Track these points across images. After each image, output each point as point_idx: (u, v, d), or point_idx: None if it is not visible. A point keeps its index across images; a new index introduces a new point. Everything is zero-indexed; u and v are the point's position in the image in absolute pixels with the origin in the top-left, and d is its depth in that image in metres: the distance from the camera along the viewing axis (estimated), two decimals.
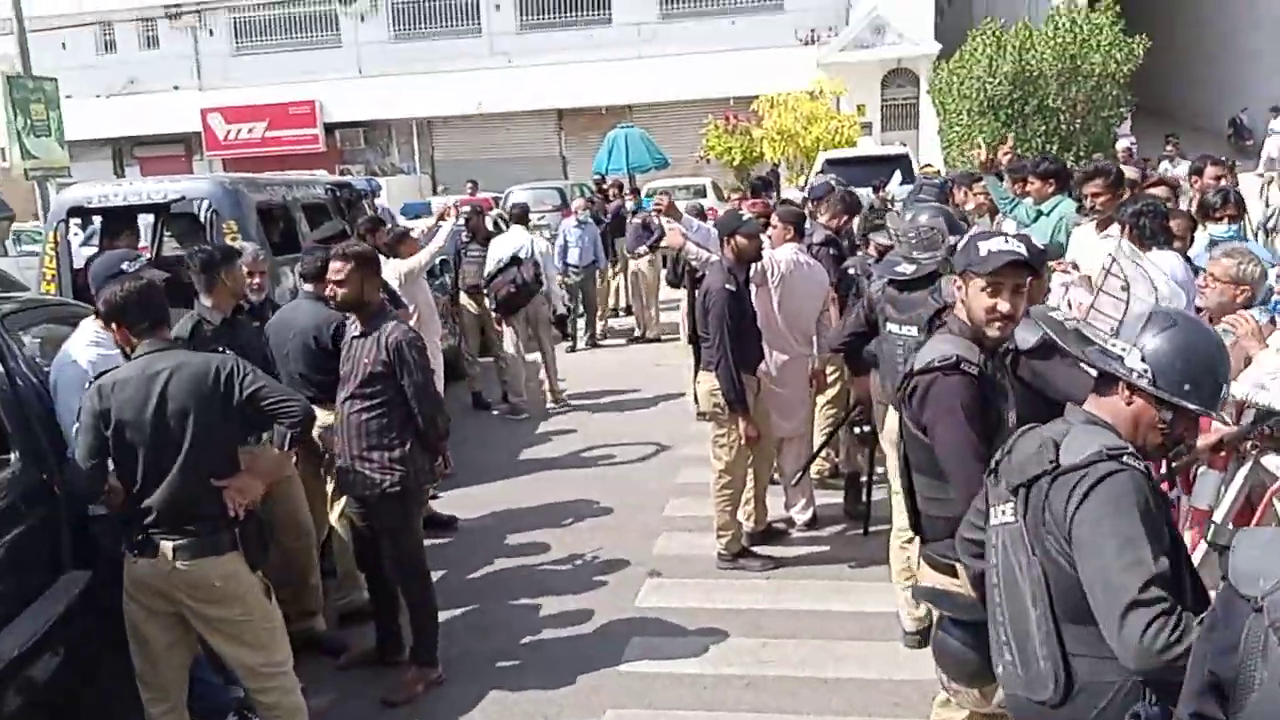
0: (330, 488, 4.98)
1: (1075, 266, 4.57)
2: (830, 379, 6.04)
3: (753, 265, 5.29)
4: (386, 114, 27.47)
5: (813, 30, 25.44)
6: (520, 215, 9.52)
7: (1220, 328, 3.22)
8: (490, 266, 8.74)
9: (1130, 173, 6.42)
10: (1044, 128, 16.24)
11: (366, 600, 4.91)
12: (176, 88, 28.15)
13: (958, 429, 2.65)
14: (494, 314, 8.79)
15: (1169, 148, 15.71)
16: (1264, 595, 1.48)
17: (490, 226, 9.86)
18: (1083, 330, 2.14)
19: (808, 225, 6.09)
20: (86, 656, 3.47)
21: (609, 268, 12.62)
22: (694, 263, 5.70)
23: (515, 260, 8.57)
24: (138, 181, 7.88)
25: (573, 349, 11.49)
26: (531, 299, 8.65)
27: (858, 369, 5.19)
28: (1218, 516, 3.31)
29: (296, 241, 7.11)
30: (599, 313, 12.29)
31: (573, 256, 11.34)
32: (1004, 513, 2.09)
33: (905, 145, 18.73)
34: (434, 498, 6.20)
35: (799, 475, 5.72)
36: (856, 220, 6.60)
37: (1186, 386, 1.98)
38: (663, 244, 8.14)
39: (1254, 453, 3.29)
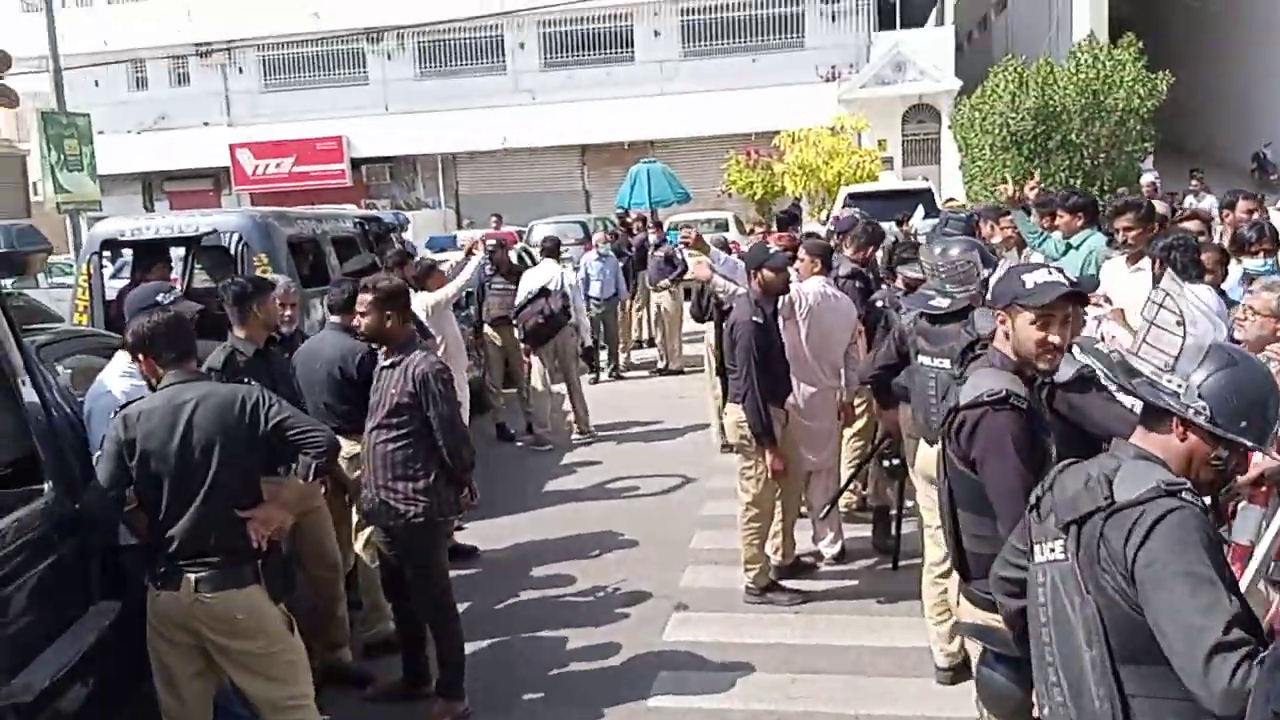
0: (356, 518, 4.98)
1: (1108, 300, 4.54)
2: (858, 411, 6.01)
3: (780, 298, 5.29)
4: (412, 149, 27.80)
5: (833, 67, 25.62)
6: (552, 249, 9.68)
7: (1261, 358, 3.18)
8: (520, 298, 8.84)
9: (1159, 207, 6.39)
10: (1068, 163, 16.21)
11: (392, 632, 4.89)
12: (206, 124, 28.62)
13: (1009, 465, 2.62)
14: (522, 345, 8.86)
15: (1194, 182, 15.65)
16: None
17: (514, 260, 9.94)
18: (1130, 363, 2.12)
19: (834, 258, 6.09)
20: (115, 688, 3.47)
21: (630, 300, 12.67)
22: (721, 295, 5.70)
23: (544, 292, 8.66)
24: (170, 215, 7.99)
25: (595, 380, 11.51)
26: (560, 330, 8.71)
27: (886, 402, 5.16)
28: (1259, 552, 3.26)
29: (326, 274, 7.17)
30: (621, 345, 12.32)
31: (594, 289, 11.40)
32: (1052, 550, 2.05)
33: (927, 180, 18.77)
34: (459, 528, 6.19)
35: (827, 508, 5.68)
36: (880, 254, 6.60)
37: (1243, 423, 1.96)
38: (689, 277, 8.16)
39: None
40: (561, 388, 9.16)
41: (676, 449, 8.61)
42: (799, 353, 5.48)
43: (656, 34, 26.96)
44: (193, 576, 3.24)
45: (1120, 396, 3.14)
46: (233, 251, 6.76)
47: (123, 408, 3.37)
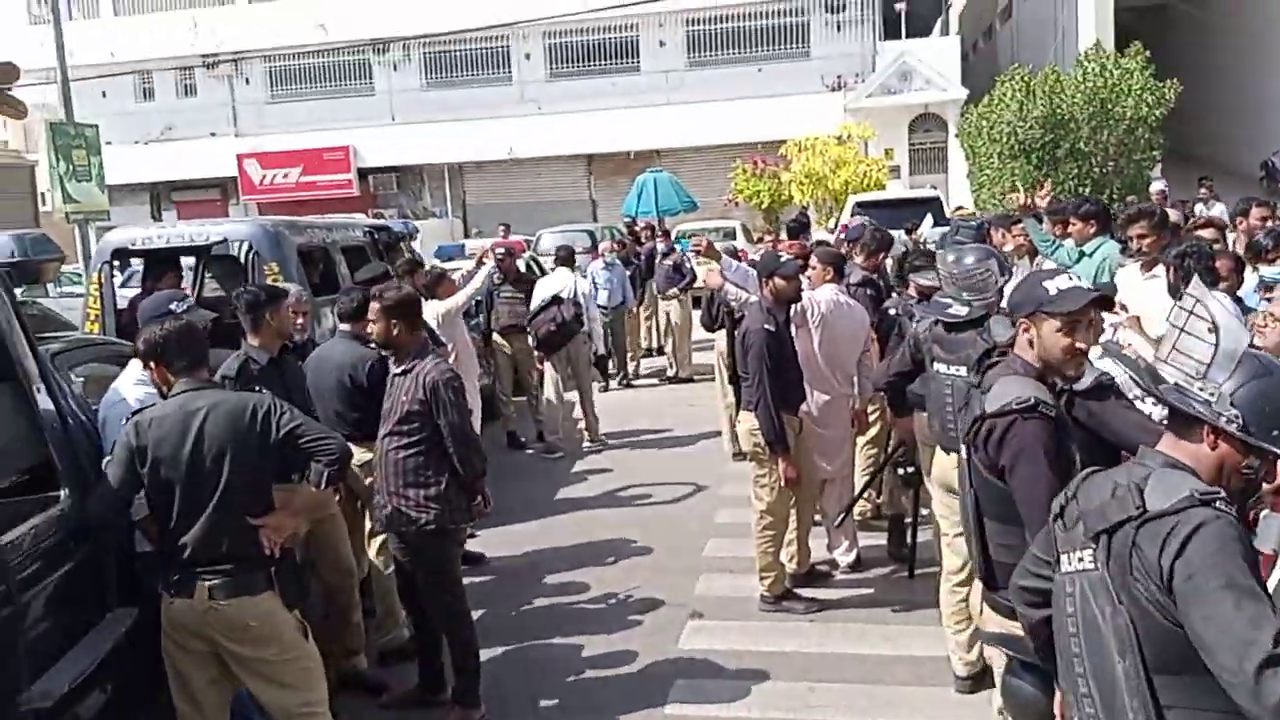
0: (369, 525, 4.97)
1: (1124, 307, 4.52)
2: (871, 419, 6.00)
3: (792, 306, 5.28)
4: (419, 159, 27.85)
5: (839, 76, 25.62)
6: (566, 257, 9.72)
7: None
8: (534, 305, 8.88)
9: (1173, 215, 6.38)
10: (1076, 171, 16.20)
11: (407, 639, 4.89)
12: (213, 134, 28.68)
13: (1038, 472, 2.61)
14: (536, 352, 8.87)
15: (1203, 190, 15.61)
16: None
17: (522, 268, 9.96)
18: (1158, 369, 2.10)
19: (846, 267, 6.08)
20: (132, 695, 3.46)
21: (638, 309, 12.67)
22: (733, 303, 5.70)
23: (556, 300, 8.69)
24: (181, 224, 7.99)
25: (605, 388, 11.50)
26: (572, 338, 8.73)
27: (901, 410, 5.15)
28: None
29: (336, 283, 7.19)
30: (630, 354, 12.32)
31: (600, 298, 11.39)
32: (1081, 559, 2.03)
33: (936, 188, 18.77)
34: (471, 536, 6.17)
35: (842, 516, 5.66)
36: (890, 262, 6.59)
37: (1275, 432, 1.94)
38: (700, 284, 8.16)
39: None
40: (573, 395, 9.16)
41: (688, 457, 8.59)
42: (812, 360, 5.47)
43: (662, 44, 27.00)
44: (206, 584, 3.24)
45: (1139, 404, 3.13)
46: (243, 260, 6.77)
47: (134, 414, 3.37)
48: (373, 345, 4.93)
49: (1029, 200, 6.61)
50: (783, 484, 5.17)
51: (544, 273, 12.28)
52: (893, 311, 5.65)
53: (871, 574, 5.73)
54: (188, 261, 7.93)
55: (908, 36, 26.11)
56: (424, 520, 4.19)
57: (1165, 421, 2.16)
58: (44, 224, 18.75)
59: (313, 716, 3.45)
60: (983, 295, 4.10)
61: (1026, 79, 16.87)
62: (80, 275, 14.99)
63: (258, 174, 28.21)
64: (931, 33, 28.91)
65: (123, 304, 7.09)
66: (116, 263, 7.52)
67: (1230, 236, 6.77)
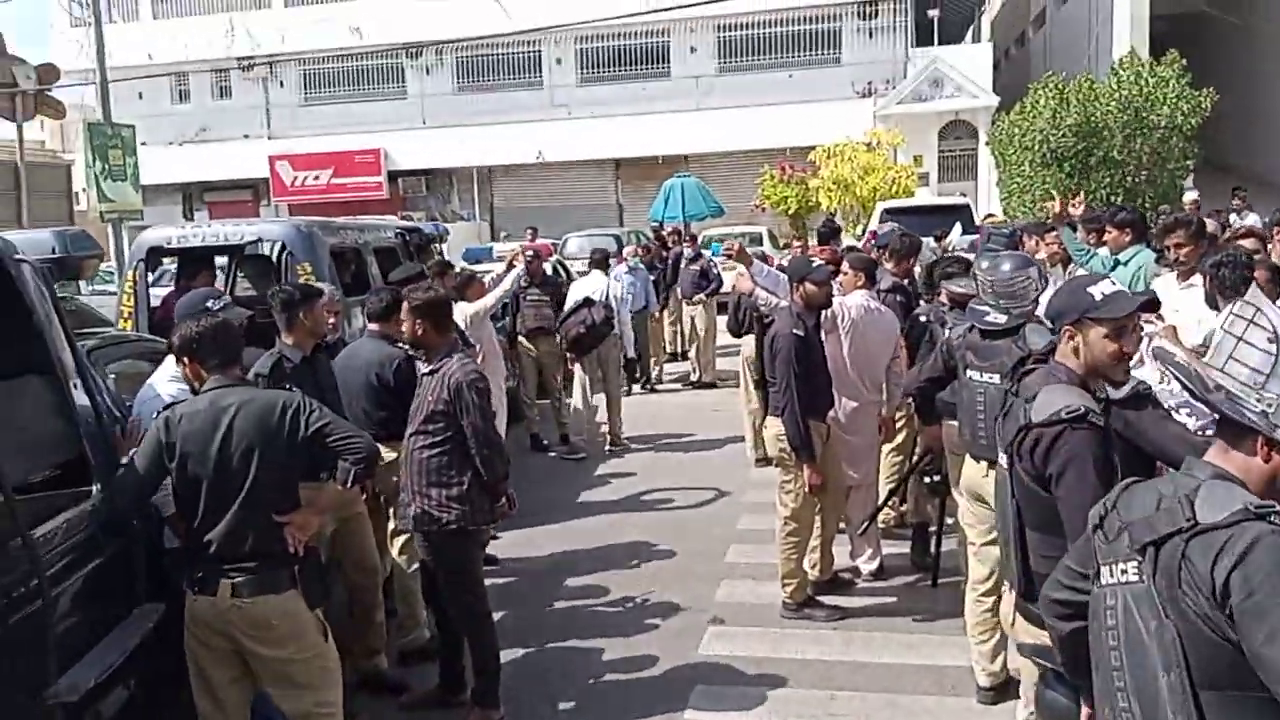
0: (391, 525, 5.00)
1: (1160, 317, 4.47)
2: (897, 426, 5.96)
3: (823, 311, 5.26)
4: (449, 162, 28.02)
5: (870, 83, 25.54)
6: (600, 260, 9.81)
7: None
8: (567, 307, 8.93)
9: (1209, 225, 6.30)
10: (1109, 179, 16.04)
11: (428, 640, 4.91)
12: (246, 136, 28.99)
13: (1087, 483, 2.58)
14: (567, 354, 8.91)
15: (1236, 201, 15.43)
16: None
17: (548, 271, 10.00)
18: (1208, 376, 2.06)
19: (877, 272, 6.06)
20: (156, 691, 3.48)
21: (662, 313, 12.68)
22: (763, 308, 5.68)
23: (587, 302, 8.72)
24: (215, 223, 8.07)
25: (628, 393, 11.50)
26: (602, 341, 8.75)
27: (929, 418, 5.11)
28: None
29: (367, 283, 7.23)
30: (654, 358, 12.32)
31: None
32: (1124, 571, 1.98)
33: (965, 195, 18.64)
34: (494, 538, 6.19)
35: (866, 524, 5.62)
36: (918, 268, 6.56)
37: None
38: (730, 288, 8.16)
39: None
40: (599, 399, 9.17)
41: (711, 462, 8.58)
42: (840, 366, 5.44)
43: (693, 50, 27.03)
44: (229, 582, 3.26)
45: (1176, 415, 3.09)
46: (276, 260, 6.82)
47: (165, 409, 3.40)
48: (401, 345, 4.97)
49: (1064, 208, 6.55)
50: (808, 490, 5.15)
51: (570, 276, 12.34)
52: (924, 319, 5.61)
53: (894, 582, 5.69)
54: (220, 261, 8.01)
55: (940, 43, 26.01)
56: (446, 520, 4.20)
57: (1204, 432, 2.12)
58: (78, 222, 19.02)
59: (327, 717, 3.45)
60: (1021, 303, 4.08)
61: (1061, 86, 16.73)
62: (113, 273, 15.17)
63: (289, 175, 28.48)
64: (964, 40, 28.75)
65: (155, 302, 7.18)
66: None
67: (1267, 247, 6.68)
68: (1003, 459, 2.89)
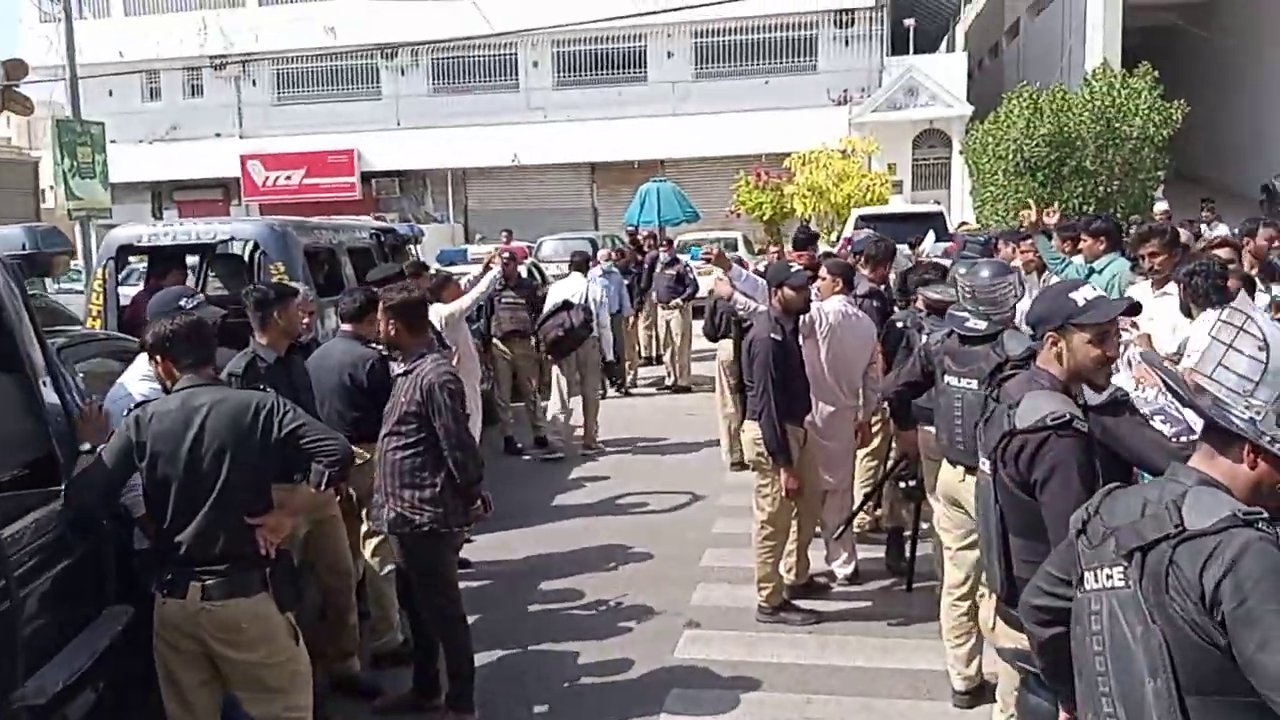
0: (365, 527, 4.95)
1: (1135, 325, 4.53)
2: (873, 431, 5.98)
3: (801, 316, 5.27)
4: (423, 164, 27.89)
5: (845, 90, 25.69)
6: (580, 262, 9.81)
7: None
8: (546, 309, 8.92)
9: (1182, 234, 6.39)
10: (1081, 189, 16.24)
11: (401, 643, 4.86)
12: (218, 134, 28.72)
13: (1071, 489, 2.60)
14: (546, 356, 8.89)
15: (1205, 212, 15.65)
16: None
17: (523, 274, 9.97)
18: (1199, 382, 2.06)
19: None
20: (125, 694, 3.42)
21: (636, 317, 12.66)
22: (742, 312, 5.68)
23: (566, 304, 8.70)
24: (187, 222, 7.98)
25: (604, 396, 11.48)
26: (581, 343, 8.74)
27: (905, 423, 5.13)
28: None
29: (341, 283, 7.18)
30: (628, 362, 12.31)
31: None
32: (1110, 577, 1.98)
33: (939, 203, 18.79)
34: (468, 540, 6.14)
35: (841, 529, 5.64)
36: (892, 275, 6.60)
37: None
38: (708, 293, 8.19)
39: None
40: (576, 401, 9.15)
41: (687, 466, 8.57)
42: (818, 371, 5.45)
43: (669, 55, 27.07)
44: (199, 584, 3.20)
45: (1154, 422, 3.12)
46: (249, 259, 6.75)
47: (136, 407, 3.34)
48: (374, 345, 4.93)
49: (1039, 217, 6.61)
50: (785, 495, 5.15)
51: (545, 279, 12.30)
52: (900, 324, 5.64)
53: (870, 587, 5.71)
54: (191, 260, 7.92)
55: (915, 52, 26.20)
56: (419, 522, 4.16)
57: (1180, 439, 2.14)
58: (45, 220, 18.78)
59: None
60: (1001, 309, 4.13)
61: (1034, 96, 16.91)
62: (80, 272, 14.97)
63: (261, 175, 28.24)
64: (938, 49, 28.98)
65: (124, 301, 7.08)
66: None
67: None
68: (985, 464, 2.90)
